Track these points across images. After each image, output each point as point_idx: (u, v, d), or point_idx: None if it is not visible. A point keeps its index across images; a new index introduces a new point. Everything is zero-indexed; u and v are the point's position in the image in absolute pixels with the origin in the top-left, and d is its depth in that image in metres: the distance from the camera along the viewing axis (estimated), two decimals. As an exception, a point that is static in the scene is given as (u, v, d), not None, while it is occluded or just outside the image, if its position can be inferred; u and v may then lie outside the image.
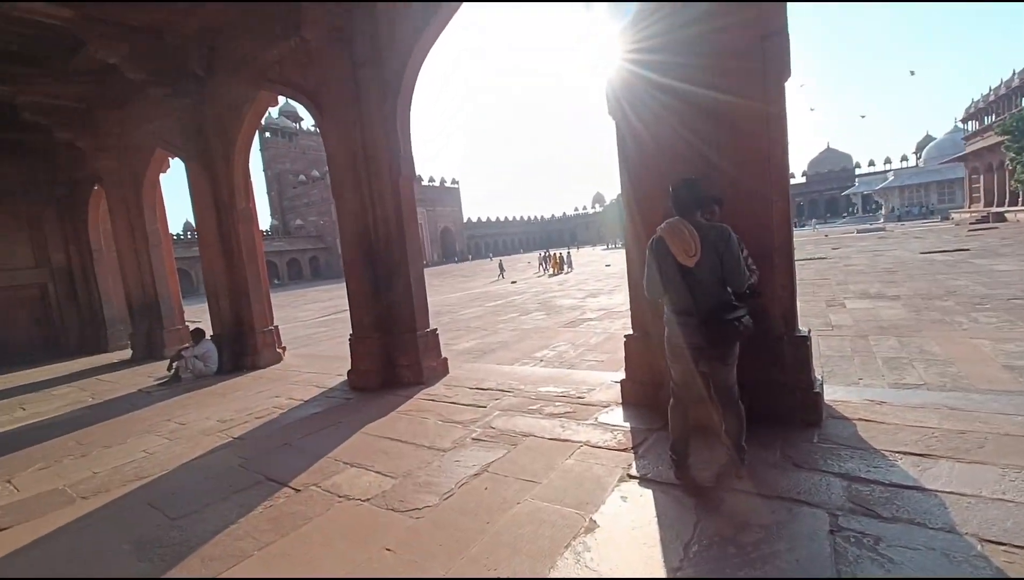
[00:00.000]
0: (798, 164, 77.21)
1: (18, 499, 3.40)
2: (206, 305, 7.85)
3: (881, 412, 3.16)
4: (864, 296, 9.97)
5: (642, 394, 3.73)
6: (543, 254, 32.85)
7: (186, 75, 6.87)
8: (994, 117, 36.24)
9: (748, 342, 2.59)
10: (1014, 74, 35.10)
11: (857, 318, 7.97)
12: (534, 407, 4.07)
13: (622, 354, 6.43)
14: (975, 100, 41.71)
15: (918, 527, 2.01)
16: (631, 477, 2.71)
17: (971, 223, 30.48)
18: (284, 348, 7.96)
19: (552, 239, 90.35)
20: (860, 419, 3.10)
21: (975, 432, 2.75)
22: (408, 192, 5.43)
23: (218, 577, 2.23)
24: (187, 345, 7.56)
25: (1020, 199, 31.19)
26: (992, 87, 37.98)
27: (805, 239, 31.41)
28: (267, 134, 64.18)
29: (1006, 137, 26.79)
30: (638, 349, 3.75)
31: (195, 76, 6.83)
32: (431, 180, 68.92)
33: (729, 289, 2.48)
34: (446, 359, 5.66)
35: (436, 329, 5.66)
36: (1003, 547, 1.84)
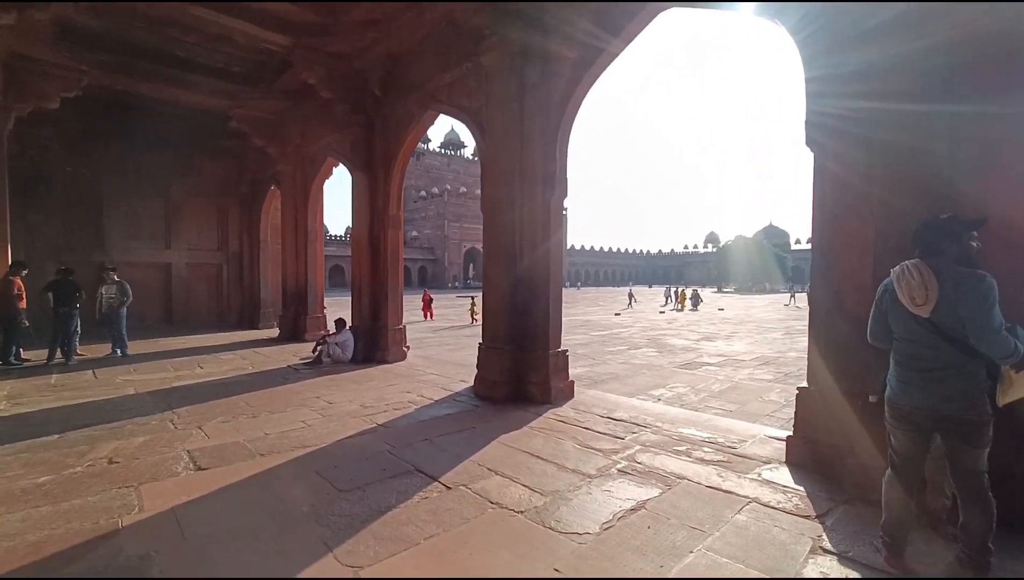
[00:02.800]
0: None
1: (210, 445, 3.90)
2: (345, 298, 8.63)
3: None
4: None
5: (815, 457, 3.28)
6: (668, 289, 36.09)
7: (365, 95, 7.77)
8: None
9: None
10: None
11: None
12: (680, 449, 3.79)
13: (752, 406, 5.86)
14: None
15: None
16: (825, 551, 2.34)
17: None
18: (408, 347, 8.45)
19: (657, 275, 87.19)
20: None
21: None
22: (557, 213, 5.52)
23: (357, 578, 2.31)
24: (331, 331, 8.35)
25: None
26: None
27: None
28: (398, 153, 71.04)
29: None
30: (814, 405, 3.33)
31: (372, 96, 7.70)
32: (539, 205, 70.50)
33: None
34: (573, 382, 5.56)
35: (566, 350, 5.60)
36: None
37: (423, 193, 68.19)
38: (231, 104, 9.50)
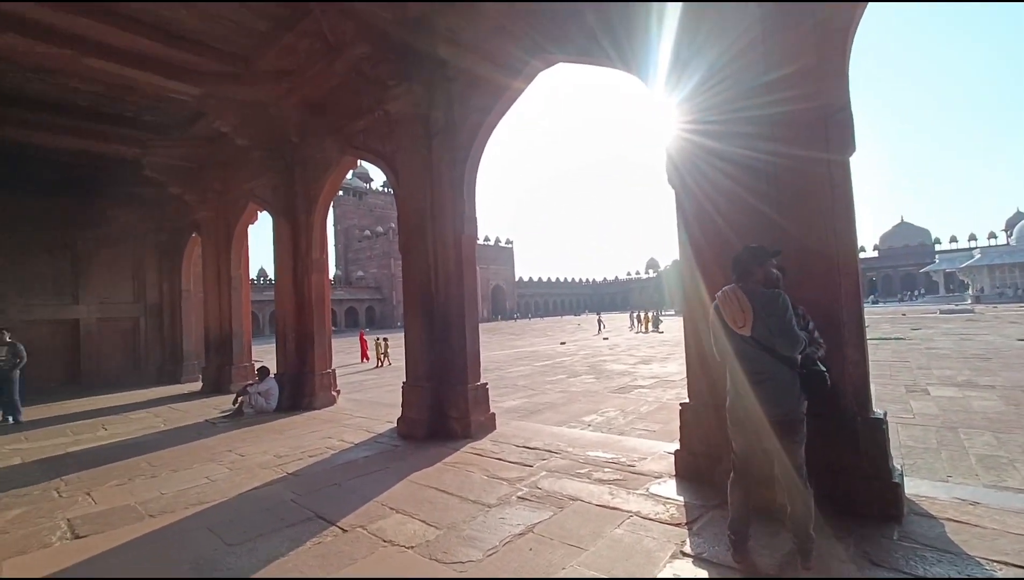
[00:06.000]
0: (868, 237, 73.59)
1: (95, 511, 3.66)
2: (271, 345, 8.39)
3: (976, 514, 2.82)
4: (950, 383, 9.03)
5: (697, 467, 3.55)
6: (632, 313, 38.71)
7: (282, 141, 7.83)
8: (1096, 196, 33.34)
9: (816, 421, 2.46)
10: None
11: (943, 407, 7.21)
12: (582, 471, 3.96)
13: (675, 424, 6.20)
14: (1071, 178, 38.77)
15: (1026, 648, 1.75)
16: (684, 555, 2.55)
17: (1078, 309, 27.26)
18: (339, 391, 8.27)
19: (604, 302, 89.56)
20: (950, 519, 2.78)
21: (1094, 545, 2.40)
22: (469, 250, 5.75)
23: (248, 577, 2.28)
24: (252, 381, 8.03)
25: None
26: (1091, 165, 35.38)
27: (878, 317, 29.23)
28: (340, 193, 70.21)
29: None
30: (694, 419, 3.62)
31: (290, 142, 7.77)
32: (486, 239, 71.36)
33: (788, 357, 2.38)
34: (494, 414, 5.67)
35: (486, 383, 5.72)
36: None
37: (367, 232, 67.47)
38: (142, 152, 9.22)
